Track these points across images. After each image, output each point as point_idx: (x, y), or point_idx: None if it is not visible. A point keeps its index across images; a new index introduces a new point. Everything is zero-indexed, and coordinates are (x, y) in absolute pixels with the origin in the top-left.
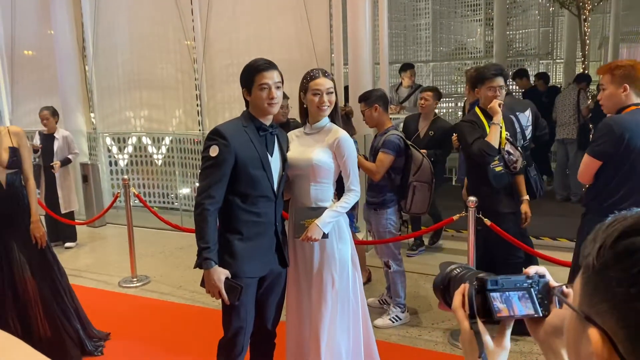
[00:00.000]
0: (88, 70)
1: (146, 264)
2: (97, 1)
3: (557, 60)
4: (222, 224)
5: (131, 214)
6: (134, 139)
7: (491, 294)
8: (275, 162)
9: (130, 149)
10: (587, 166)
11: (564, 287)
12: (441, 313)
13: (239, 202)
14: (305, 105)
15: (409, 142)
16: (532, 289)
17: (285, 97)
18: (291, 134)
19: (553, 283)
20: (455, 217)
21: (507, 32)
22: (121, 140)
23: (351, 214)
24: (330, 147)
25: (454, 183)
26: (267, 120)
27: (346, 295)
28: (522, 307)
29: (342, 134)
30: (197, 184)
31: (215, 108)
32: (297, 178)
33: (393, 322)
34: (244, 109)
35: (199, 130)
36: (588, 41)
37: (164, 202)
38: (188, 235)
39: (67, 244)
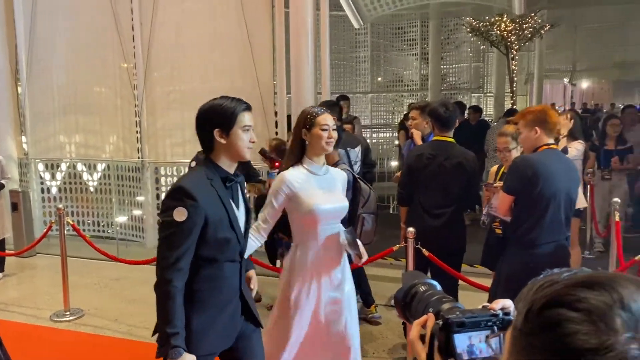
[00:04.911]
0: (21, 93)
1: (80, 296)
2: (32, 22)
3: (488, 94)
4: None
5: (65, 244)
6: (67, 165)
7: (455, 335)
8: (241, 217)
9: (63, 175)
10: (501, 200)
11: None
12: (387, 344)
13: (204, 269)
14: (306, 142)
15: (357, 175)
16: (495, 328)
17: None
18: (295, 176)
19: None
20: (395, 248)
21: (442, 67)
22: (54, 167)
23: None
24: (343, 187)
25: (391, 211)
26: (234, 168)
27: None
28: (486, 348)
29: (346, 174)
30: (160, 253)
31: (155, 135)
32: (328, 223)
33: None
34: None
35: (138, 157)
36: (515, 77)
37: (98, 231)
38: (124, 265)
39: None
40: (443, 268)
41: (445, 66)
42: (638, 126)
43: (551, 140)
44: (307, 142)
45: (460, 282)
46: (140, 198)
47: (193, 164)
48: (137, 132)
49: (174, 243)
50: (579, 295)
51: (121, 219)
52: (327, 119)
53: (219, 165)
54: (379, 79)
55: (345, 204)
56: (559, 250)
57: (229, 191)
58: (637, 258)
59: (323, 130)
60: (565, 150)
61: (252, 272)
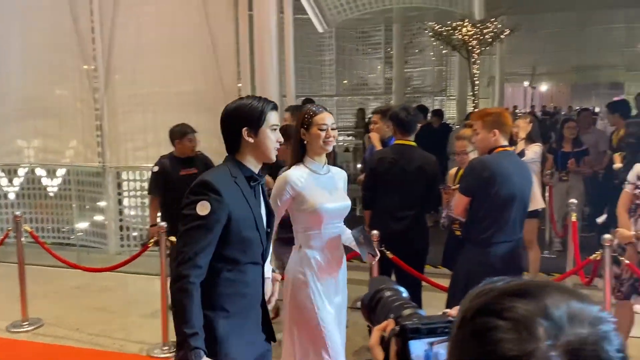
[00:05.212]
0: None
1: (38, 305)
2: None
3: (451, 97)
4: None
5: (23, 252)
6: (26, 171)
7: (411, 341)
8: (264, 217)
9: (21, 180)
10: (458, 201)
11: None
12: (353, 346)
13: (225, 270)
14: (305, 142)
15: None
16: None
17: (192, 130)
18: (298, 175)
19: None
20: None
21: (405, 70)
22: (12, 172)
23: None
24: (344, 186)
25: (358, 213)
26: (258, 168)
27: None
28: (444, 353)
29: (344, 172)
30: (178, 247)
31: (117, 139)
32: (332, 223)
33: None
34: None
35: (99, 162)
36: (477, 80)
37: (59, 238)
38: (85, 273)
39: None
40: (406, 270)
41: (409, 70)
42: (593, 129)
43: (507, 143)
44: (306, 142)
45: (424, 283)
46: (101, 203)
47: (156, 168)
48: (98, 136)
49: (193, 237)
50: (507, 304)
51: (82, 225)
52: (326, 118)
53: (243, 164)
54: (345, 81)
55: (348, 202)
56: (513, 249)
57: (253, 191)
58: (591, 257)
59: (321, 129)
60: (522, 153)
61: (276, 276)
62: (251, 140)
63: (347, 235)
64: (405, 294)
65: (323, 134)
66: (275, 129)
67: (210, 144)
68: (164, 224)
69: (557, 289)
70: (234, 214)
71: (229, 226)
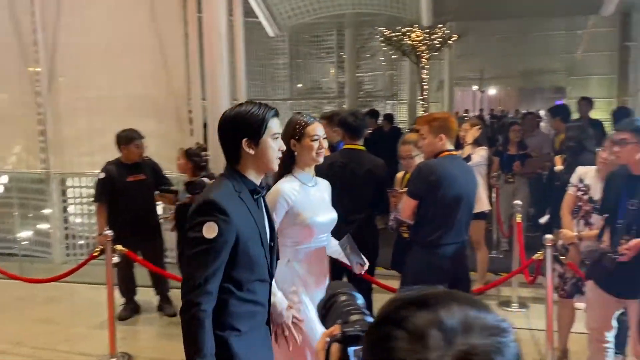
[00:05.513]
0: None
1: None
2: None
3: (402, 102)
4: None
5: None
6: None
7: (349, 348)
8: (267, 231)
9: None
10: (405, 204)
11: None
12: None
13: (235, 291)
14: (295, 153)
15: (268, 184)
16: None
17: (140, 136)
18: (291, 188)
19: None
20: None
21: (357, 75)
22: None
23: None
24: (329, 197)
25: None
26: (260, 179)
27: None
28: None
29: (327, 182)
30: (186, 273)
31: (61, 145)
32: (320, 236)
33: None
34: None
35: (43, 168)
36: (426, 85)
37: (0, 248)
38: (28, 284)
39: None
40: (357, 273)
41: (361, 74)
42: (537, 132)
43: (452, 147)
44: (296, 153)
45: (375, 285)
46: (46, 211)
47: (102, 174)
48: (41, 141)
49: (202, 262)
50: (405, 314)
51: (25, 234)
52: (317, 129)
53: (245, 176)
54: (300, 85)
55: (335, 215)
56: (459, 251)
57: (256, 204)
58: (534, 257)
59: (314, 140)
60: (469, 158)
61: (290, 303)
62: (252, 151)
63: (333, 247)
64: (360, 300)
65: (316, 144)
66: (277, 138)
67: (159, 148)
68: (109, 232)
69: (456, 298)
70: (241, 233)
71: (237, 246)
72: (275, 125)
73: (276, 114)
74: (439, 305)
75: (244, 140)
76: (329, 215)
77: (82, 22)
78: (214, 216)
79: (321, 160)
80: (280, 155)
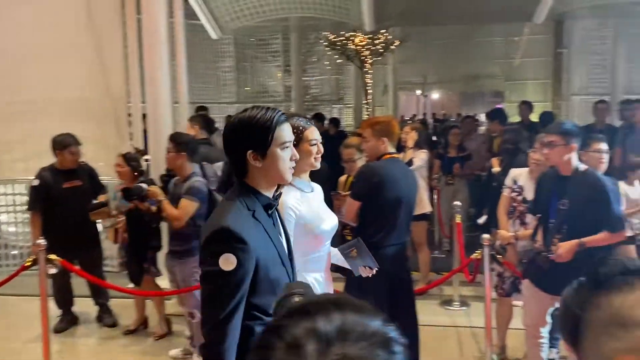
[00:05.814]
0: None
1: None
2: None
3: (347, 105)
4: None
5: None
6: None
7: None
8: (284, 246)
9: None
10: (349, 207)
11: None
12: None
13: (260, 315)
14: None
15: (212, 188)
16: None
17: (76, 142)
18: (294, 197)
19: None
20: None
21: (304, 79)
22: None
23: None
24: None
25: None
26: (272, 190)
27: None
28: None
29: (319, 187)
30: (206, 309)
31: None
32: (327, 245)
33: None
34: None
35: None
36: (370, 89)
37: None
38: None
39: None
40: None
41: (307, 78)
42: (476, 135)
43: (394, 150)
44: None
45: None
46: None
47: (36, 182)
48: None
49: (222, 299)
50: (285, 323)
51: None
52: (315, 133)
53: (257, 190)
54: (247, 88)
55: (337, 219)
56: (400, 252)
57: (271, 219)
58: (473, 256)
59: (312, 145)
60: (411, 162)
61: None
62: (258, 164)
63: (334, 253)
64: None
65: (314, 149)
66: (287, 147)
67: (97, 154)
68: (43, 241)
69: (337, 305)
70: (261, 258)
71: (257, 273)
72: (285, 133)
73: (286, 120)
74: (318, 313)
75: (249, 152)
76: (333, 221)
77: (14, 22)
78: (230, 246)
79: (318, 165)
80: (294, 165)
